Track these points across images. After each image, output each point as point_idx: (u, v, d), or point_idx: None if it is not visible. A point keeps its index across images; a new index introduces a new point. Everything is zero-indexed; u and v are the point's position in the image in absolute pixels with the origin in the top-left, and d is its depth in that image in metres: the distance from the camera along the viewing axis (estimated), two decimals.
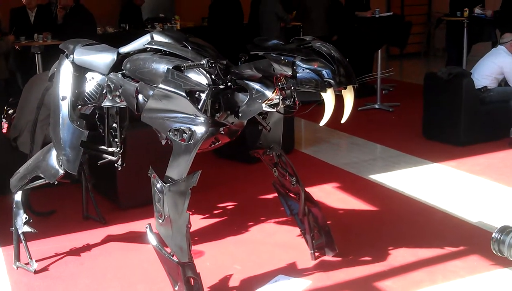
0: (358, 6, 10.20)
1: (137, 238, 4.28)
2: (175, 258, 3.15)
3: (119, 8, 11.12)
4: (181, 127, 3.12)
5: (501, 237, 1.37)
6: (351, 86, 3.03)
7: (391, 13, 10.29)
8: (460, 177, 5.58)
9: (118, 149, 3.89)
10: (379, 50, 9.01)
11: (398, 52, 13.03)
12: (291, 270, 3.79)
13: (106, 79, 3.64)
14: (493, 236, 1.39)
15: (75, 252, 4.14)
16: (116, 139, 3.88)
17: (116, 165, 3.93)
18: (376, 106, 8.55)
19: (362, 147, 6.71)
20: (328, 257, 3.90)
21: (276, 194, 4.08)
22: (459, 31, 9.54)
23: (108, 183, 4.89)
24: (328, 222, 3.93)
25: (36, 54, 8.04)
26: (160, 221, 3.17)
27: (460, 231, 4.38)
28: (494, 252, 1.40)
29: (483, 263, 3.84)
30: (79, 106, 3.77)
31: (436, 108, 6.75)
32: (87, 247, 4.21)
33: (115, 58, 3.61)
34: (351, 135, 7.03)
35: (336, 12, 9.57)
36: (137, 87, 3.45)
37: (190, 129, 3.08)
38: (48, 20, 8.40)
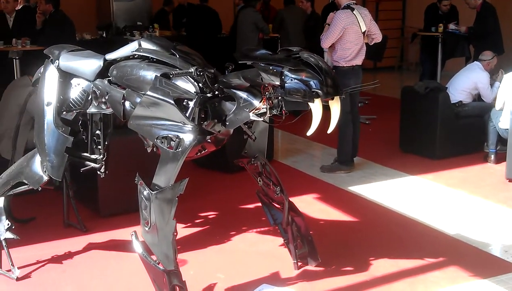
0: None
1: (118, 246, 4.26)
2: (160, 266, 3.14)
3: (96, 15, 11.07)
4: (169, 135, 3.12)
5: None
6: (338, 97, 3.06)
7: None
8: (437, 189, 5.67)
9: (101, 156, 3.86)
10: None
11: (372, 66, 13.17)
12: (274, 279, 3.80)
13: (92, 86, 3.63)
14: None
15: (57, 259, 4.09)
16: (99, 147, 3.85)
17: (98, 172, 3.90)
18: None
19: None
20: (311, 267, 3.92)
21: (258, 204, 4.09)
22: (434, 46, 9.70)
23: (88, 190, 4.84)
24: (311, 232, 3.96)
25: (14, 60, 7.94)
26: (146, 228, 3.15)
27: (438, 243, 4.45)
28: None
29: (462, 274, 3.91)
30: (64, 112, 3.74)
31: (412, 122, 6.85)
32: (69, 255, 4.16)
33: (102, 64, 3.61)
34: (328, 146, 7.07)
35: (313, 25, 9.64)
36: (124, 94, 3.44)
37: (178, 137, 3.08)
38: (27, 25, 8.33)
